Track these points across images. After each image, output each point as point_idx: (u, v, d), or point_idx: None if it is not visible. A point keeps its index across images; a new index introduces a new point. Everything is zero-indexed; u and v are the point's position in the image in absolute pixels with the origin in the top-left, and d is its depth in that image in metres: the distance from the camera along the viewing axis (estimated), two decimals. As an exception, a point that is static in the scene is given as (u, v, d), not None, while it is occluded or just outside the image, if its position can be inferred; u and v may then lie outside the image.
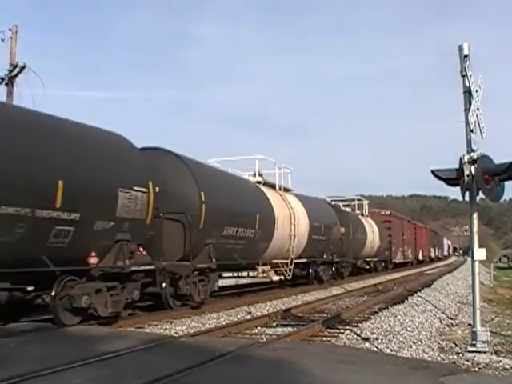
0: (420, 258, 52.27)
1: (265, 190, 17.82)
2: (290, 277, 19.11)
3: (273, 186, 19.15)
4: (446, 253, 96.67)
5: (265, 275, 17.80)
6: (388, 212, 40.53)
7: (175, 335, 9.36)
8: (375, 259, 34.08)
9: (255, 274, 17.66)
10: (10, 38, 19.31)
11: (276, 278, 18.58)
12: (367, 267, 33.00)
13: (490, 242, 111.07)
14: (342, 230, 24.84)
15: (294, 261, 19.13)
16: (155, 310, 12.47)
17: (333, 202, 28.19)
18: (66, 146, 9.19)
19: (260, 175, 18.69)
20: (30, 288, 8.81)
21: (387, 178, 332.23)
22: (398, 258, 40.19)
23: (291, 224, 18.56)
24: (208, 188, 13.11)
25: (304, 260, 20.39)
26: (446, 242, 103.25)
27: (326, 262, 22.56)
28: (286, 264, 18.78)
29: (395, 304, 14.21)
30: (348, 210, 30.38)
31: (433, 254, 67.10)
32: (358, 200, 35.23)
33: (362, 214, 33.26)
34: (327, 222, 22.81)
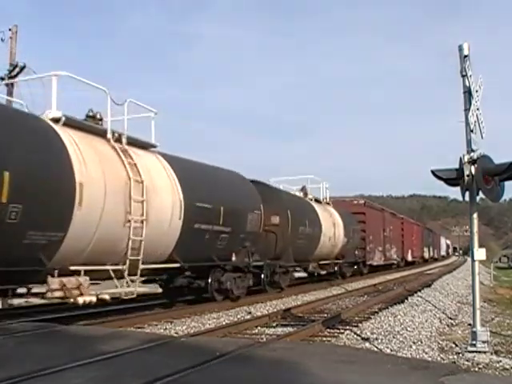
0: (409, 258, 44.63)
1: (64, 135, 9.59)
2: (133, 295, 10.96)
3: (99, 133, 10.74)
4: (443, 253, 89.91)
5: (62, 295, 9.21)
6: (361, 201, 31.80)
7: (175, 335, 9.36)
8: (340, 261, 25.51)
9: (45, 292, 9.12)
10: (10, 38, 19.37)
11: (85, 299, 9.44)
12: (323, 272, 24.42)
13: (490, 241, 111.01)
14: (275, 219, 17.22)
15: (151, 266, 11.36)
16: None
17: (281, 186, 20.49)
18: None
19: (93, 117, 10.95)
20: None
21: (387, 178, 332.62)
22: (376, 260, 31.85)
23: (131, 200, 10.37)
24: None
25: (176, 265, 12.21)
26: (445, 242, 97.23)
27: (241, 267, 14.94)
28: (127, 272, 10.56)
29: (395, 304, 14.22)
30: (298, 194, 22.42)
31: (427, 255, 59.53)
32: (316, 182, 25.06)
33: (319, 201, 24.15)
34: (236, 204, 14.44)
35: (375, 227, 32.02)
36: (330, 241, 23.25)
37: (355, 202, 31.33)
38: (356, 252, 27.93)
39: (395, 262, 38.65)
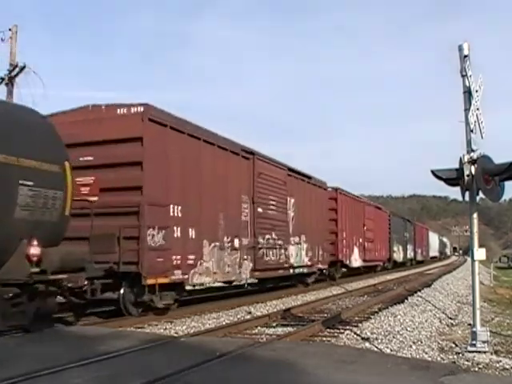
0: (355, 263, 26.86)
1: None
2: None
3: None
4: (435, 253, 70.76)
5: None
6: (139, 109, 10.85)
7: (175, 335, 9.36)
8: None
9: None
10: (10, 38, 19.34)
11: None
12: None
13: (490, 241, 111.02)
14: None
15: None
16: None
17: None
18: None
19: None
20: None
21: (387, 178, 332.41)
22: (222, 275, 13.42)
23: None
24: None
25: None
26: (437, 239, 78.19)
27: None
28: None
29: (395, 304, 14.21)
30: None
31: (399, 256, 40.56)
32: None
33: None
34: None
35: (221, 193, 13.50)
36: None
37: (120, 111, 11.20)
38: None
39: (315, 270, 20.76)
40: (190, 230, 12.12)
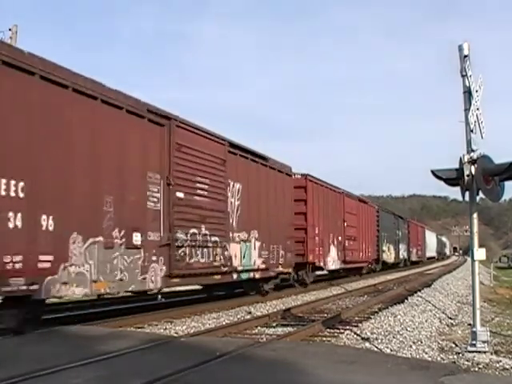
0: (333, 264, 22.75)
1: None
2: None
3: None
4: (432, 253, 65.98)
5: None
6: None
7: (175, 335, 9.36)
8: None
9: None
10: (10, 38, 19.36)
11: None
12: None
13: (489, 241, 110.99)
14: None
15: None
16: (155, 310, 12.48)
17: None
18: None
19: None
20: None
21: (387, 178, 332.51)
22: (72, 285, 8.47)
23: None
24: None
25: None
26: (435, 238, 72.68)
27: None
28: None
29: (395, 304, 14.21)
30: None
31: (390, 257, 36.28)
32: None
33: None
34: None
35: (109, 168, 9.62)
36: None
37: None
38: None
39: (273, 274, 16.57)
40: (44, 217, 8.12)
